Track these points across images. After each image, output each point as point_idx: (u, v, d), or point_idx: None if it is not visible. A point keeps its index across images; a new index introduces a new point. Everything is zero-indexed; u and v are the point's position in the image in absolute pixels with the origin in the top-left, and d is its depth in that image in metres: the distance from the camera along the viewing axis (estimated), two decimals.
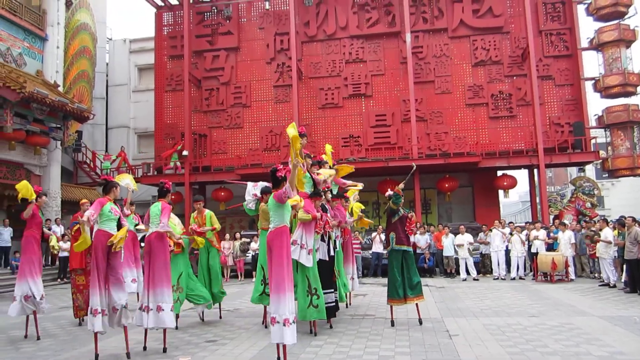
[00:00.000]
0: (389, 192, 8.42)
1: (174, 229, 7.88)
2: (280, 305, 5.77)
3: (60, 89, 19.33)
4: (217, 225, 8.93)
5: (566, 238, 14.92)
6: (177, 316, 8.34)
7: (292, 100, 22.09)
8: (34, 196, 7.93)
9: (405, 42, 21.71)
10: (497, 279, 15.34)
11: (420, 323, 8.19)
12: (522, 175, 24.22)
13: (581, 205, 21.21)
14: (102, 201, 6.44)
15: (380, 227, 17.81)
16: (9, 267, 16.53)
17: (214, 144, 23.58)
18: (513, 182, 21.80)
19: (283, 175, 6.48)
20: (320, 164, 8.77)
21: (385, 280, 9.38)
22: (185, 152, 22.09)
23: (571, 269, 14.75)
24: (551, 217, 20.77)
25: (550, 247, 15.24)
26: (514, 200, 61.51)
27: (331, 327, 8.00)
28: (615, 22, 21.27)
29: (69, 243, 9.24)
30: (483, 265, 16.47)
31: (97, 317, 6.14)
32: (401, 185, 8.42)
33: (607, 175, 24.54)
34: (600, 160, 21.91)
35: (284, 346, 5.85)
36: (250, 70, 23.75)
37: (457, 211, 23.95)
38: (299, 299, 7.43)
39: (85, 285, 8.89)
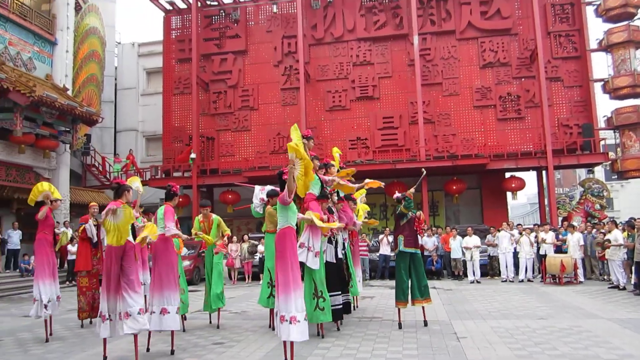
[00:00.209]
0: (397, 195, 8.43)
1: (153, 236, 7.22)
2: (288, 304, 5.84)
3: (70, 92, 19.48)
4: (227, 231, 8.79)
5: (575, 240, 14.80)
6: (184, 318, 8.36)
7: (300, 103, 22.13)
8: (60, 197, 8.01)
9: (412, 45, 21.70)
10: (505, 281, 15.26)
11: (426, 325, 8.17)
12: (530, 177, 24.15)
13: (590, 207, 21.08)
14: (116, 204, 6.31)
15: (387, 229, 17.78)
16: (18, 270, 16.63)
17: (221, 147, 23.66)
18: (521, 184, 21.69)
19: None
20: (327, 166, 8.77)
21: (392, 283, 9.35)
22: (193, 155, 22.17)
23: (580, 271, 14.63)
24: (560, 219, 20.65)
25: (559, 249, 15.16)
26: (522, 202, 61.24)
27: (338, 329, 7.99)
28: (625, 23, 21.10)
29: (76, 246, 9.24)
30: (491, 268, 16.39)
31: (105, 322, 6.09)
32: (412, 190, 8.42)
33: (616, 176, 24.36)
34: (610, 162, 21.74)
35: (292, 344, 5.88)
36: (258, 73, 23.83)
37: (465, 213, 23.87)
38: (305, 301, 7.42)
39: (88, 287, 8.94)
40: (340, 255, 8.31)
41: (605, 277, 14.44)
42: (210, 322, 9.00)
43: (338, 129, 22.86)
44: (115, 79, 28.77)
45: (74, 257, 15.64)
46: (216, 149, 23.59)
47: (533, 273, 15.68)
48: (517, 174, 21.98)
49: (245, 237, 17.96)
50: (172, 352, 6.73)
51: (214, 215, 8.76)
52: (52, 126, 17.87)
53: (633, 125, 20.77)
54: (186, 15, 24.63)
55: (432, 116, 21.91)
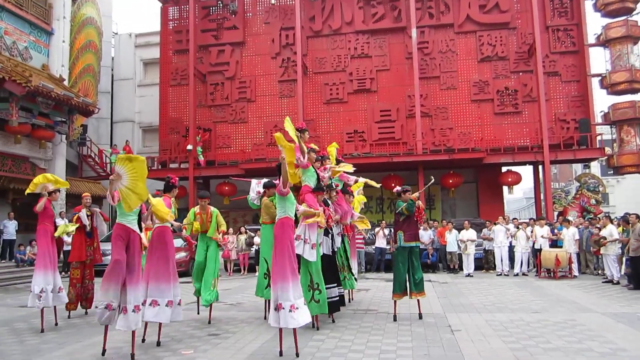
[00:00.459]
0: (397, 188, 8.50)
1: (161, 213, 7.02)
2: (284, 292, 5.90)
3: (66, 83, 19.36)
4: (224, 225, 8.57)
5: (570, 234, 14.88)
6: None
7: (297, 95, 22.09)
8: (67, 185, 8.58)
9: (410, 38, 21.66)
10: (500, 274, 15.33)
11: (420, 317, 8.22)
12: (526, 172, 24.17)
13: (586, 201, 21.16)
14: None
15: (383, 222, 17.82)
16: (13, 260, 16.62)
17: (218, 139, 23.62)
18: (518, 179, 21.75)
19: None
20: (323, 159, 8.78)
21: (388, 276, 9.38)
22: (189, 147, 22.12)
23: (575, 266, 14.71)
24: (555, 213, 20.72)
25: (554, 244, 15.23)
26: (518, 196, 61.22)
27: (333, 321, 8.02)
28: (623, 18, 21.12)
29: (72, 236, 9.20)
30: (486, 261, 16.46)
31: (110, 311, 5.96)
32: (416, 194, 8.55)
33: (612, 172, 24.45)
34: (606, 157, 21.81)
35: (294, 332, 5.94)
36: (256, 65, 23.76)
37: (461, 207, 23.94)
38: None
39: (79, 279, 8.90)
40: (334, 248, 8.34)
41: (600, 272, 14.52)
42: (199, 312, 8.86)
43: (335, 122, 22.83)
44: (112, 70, 28.61)
45: (69, 247, 15.68)
46: (213, 141, 23.53)
47: (528, 267, 15.76)
48: (514, 169, 22.01)
49: (243, 229, 17.96)
50: (159, 344, 6.72)
51: (212, 208, 8.54)
52: (48, 116, 17.79)
53: (630, 121, 20.81)
54: (184, 6, 24.51)
55: (430, 110, 21.90)
